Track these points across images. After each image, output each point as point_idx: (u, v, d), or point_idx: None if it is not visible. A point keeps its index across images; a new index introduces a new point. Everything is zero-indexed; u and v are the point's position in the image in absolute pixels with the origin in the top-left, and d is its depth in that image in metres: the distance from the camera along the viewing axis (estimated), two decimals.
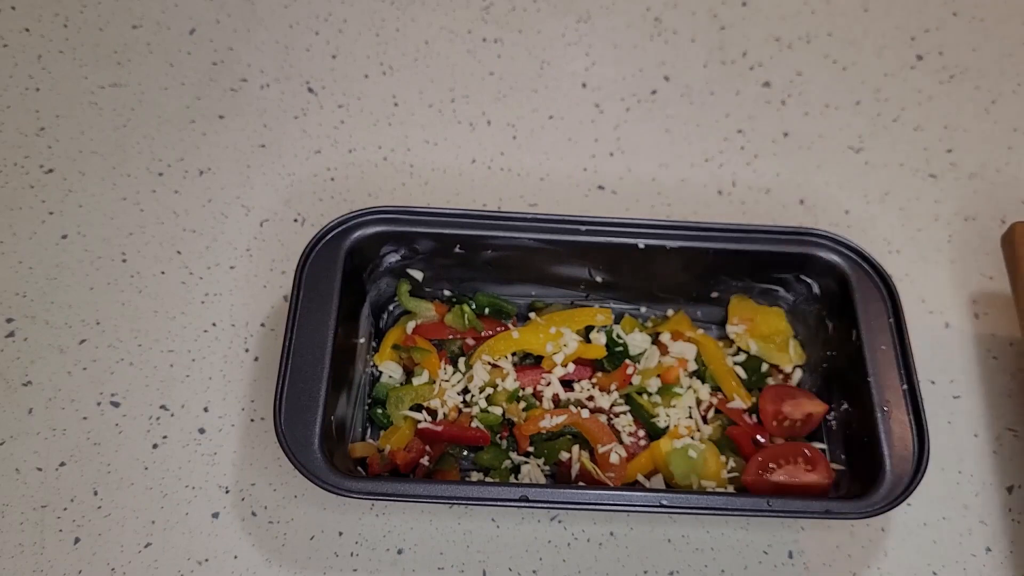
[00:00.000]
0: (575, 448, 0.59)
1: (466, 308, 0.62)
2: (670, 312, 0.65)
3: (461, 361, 0.62)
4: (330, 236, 0.59)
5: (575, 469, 0.58)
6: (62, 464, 0.59)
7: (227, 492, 0.59)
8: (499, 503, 0.52)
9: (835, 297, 0.61)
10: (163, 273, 0.67)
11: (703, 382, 0.62)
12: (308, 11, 0.81)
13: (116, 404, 0.61)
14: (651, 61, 0.80)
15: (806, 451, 0.58)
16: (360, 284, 0.62)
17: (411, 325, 0.63)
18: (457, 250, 0.61)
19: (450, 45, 0.80)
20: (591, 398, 0.61)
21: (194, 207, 0.70)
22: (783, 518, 0.58)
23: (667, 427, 0.60)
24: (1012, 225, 0.62)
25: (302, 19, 0.81)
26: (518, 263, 0.62)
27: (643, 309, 0.66)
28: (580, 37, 0.81)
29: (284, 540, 0.57)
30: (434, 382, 0.61)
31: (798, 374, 0.63)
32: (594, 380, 0.62)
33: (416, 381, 0.61)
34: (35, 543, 0.57)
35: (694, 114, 0.77)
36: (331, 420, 0.55)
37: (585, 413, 0.59)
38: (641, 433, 0.60)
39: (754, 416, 0.61)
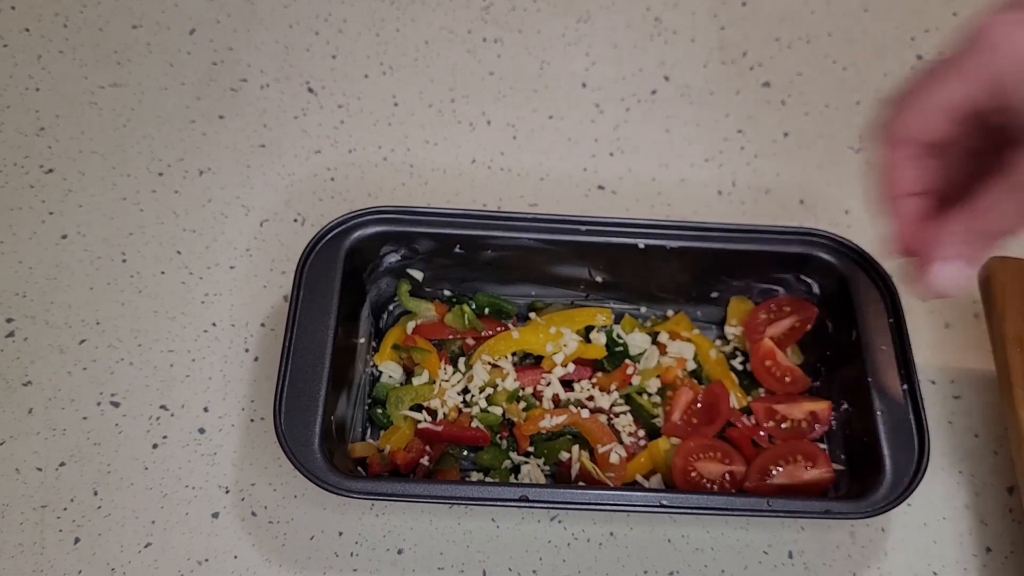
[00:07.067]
0: (575, 448, 0.59)
1: (466, 308, 0.62)
2: (670, 312, 0.65)
3: (461, 361, 0.62)
4: (330, 236, 0.59)
5: (575, 469, 0.58)
6: (62, 464, 0.59)
7: (227, 492, 0.59)
8: (499, 503, 0.52)
9: (835, 297, 0.61)
10: (163, 273, 0.67)
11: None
12: (308, 11, 0.81)
13: (116, 404, 0.61)
14: (651, 61, 0.80)
15: (805, 448, 0.58)
16: (360, 284, 0.62)
17: (411, 325, 0.63)
18: (457, 250, 0.61)
19: (450, 45, 0.80)
20: (591, 398, 0.61)
21: (194, 207, 0.70)
22: (783, 518, 0.58)
23: None
24: (988, 261, 0.59)
25: (302, 19, 0.81)
26: (518, 263, 0.62)
27: (643, 309, 0.66)
28: (580, 37, 0.81)
29: (284, 540, 0.57)
30: (434, 382, 0.61)
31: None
32: (594, 380, 0.62)
33: (416, 381, 0.61)
34: (35, 543, 0.57)
35: (694, 114, 0.77)
36: (331, 420, 0.55)
37: (585, 413, 0.59)
38: (641, 433, 0.60)
39: (752, 418, 0.61)
